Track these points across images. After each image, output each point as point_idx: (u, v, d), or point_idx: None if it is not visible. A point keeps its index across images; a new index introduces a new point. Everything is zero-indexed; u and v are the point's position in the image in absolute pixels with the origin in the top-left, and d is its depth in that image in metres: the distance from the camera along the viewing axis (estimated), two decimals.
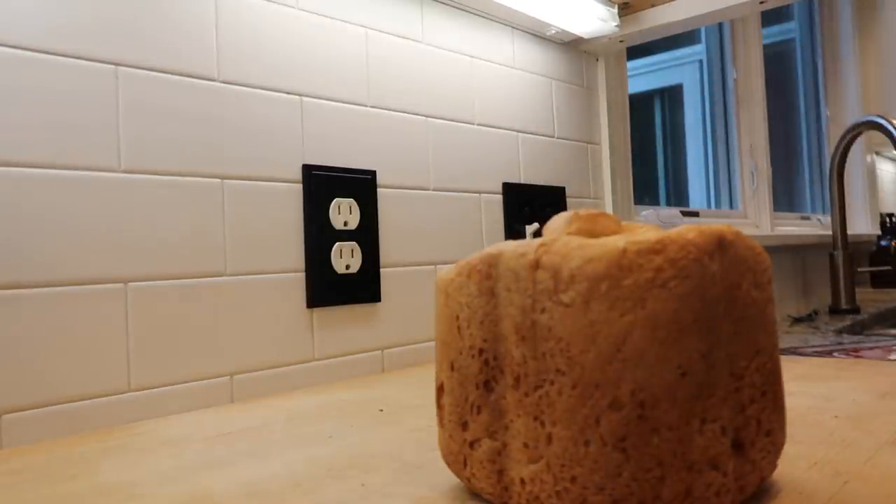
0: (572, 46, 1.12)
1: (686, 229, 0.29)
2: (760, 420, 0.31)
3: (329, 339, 0.75)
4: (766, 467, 0.32)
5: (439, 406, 0.37)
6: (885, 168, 2.85)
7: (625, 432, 0.28)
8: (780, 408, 0.33)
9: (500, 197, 0.97)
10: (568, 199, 1.09)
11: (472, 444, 0.34)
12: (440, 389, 0.37)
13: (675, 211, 1.36)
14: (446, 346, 0.36)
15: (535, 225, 1.00)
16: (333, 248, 0.75)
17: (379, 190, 0.81)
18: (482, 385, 0.33)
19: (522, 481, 0.31)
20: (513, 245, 0.32)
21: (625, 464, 0.28)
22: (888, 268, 2.07)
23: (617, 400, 0.28)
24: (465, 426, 0.34)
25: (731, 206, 1.83)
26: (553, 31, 1.05)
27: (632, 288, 0.28)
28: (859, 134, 1.54)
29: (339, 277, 0.75)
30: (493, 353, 0.33)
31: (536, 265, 0.30)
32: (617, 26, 1.05)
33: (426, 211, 0.86)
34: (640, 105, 2.09)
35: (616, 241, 0.29)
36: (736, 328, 0.30)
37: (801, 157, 2.36)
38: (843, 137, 1.56)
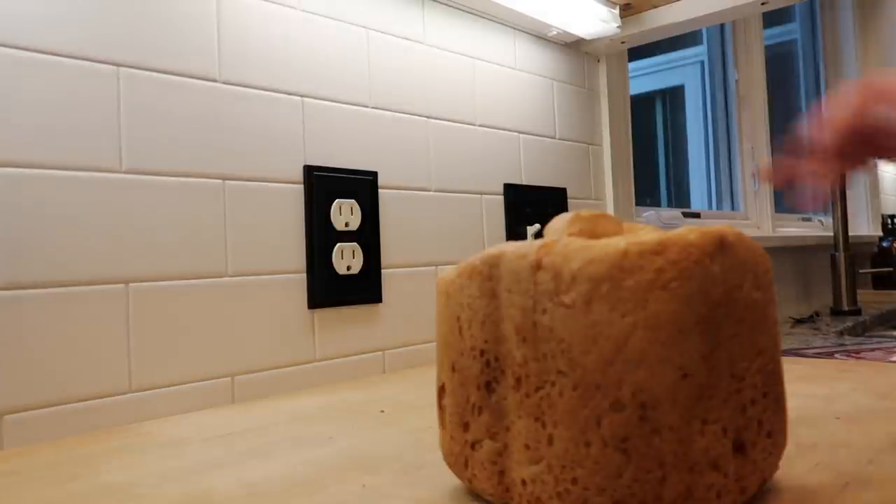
0: (574, 47, 1.12)
1: (687, 230, 0.29)
2: (762, 421, 0.31)
3: (330, 339, 0.75)
4: (768, 468, 0.32)
5: (440, 407, 0.37)
6: (886, 169, 2.84)
7: (626, 433, 0.28)
8: (781, 409, 0.33)
9: (501, 198, 0.97)
10: (569, 200, 1.09)
11: (473, 445, 0.34)
12: (441, 390, 0.37)
13: (677, 212, 1.36)
14: (447, 346, 0.36)
15: (537, 226, 1.00)
16: (335, 249, 0.75)
17: (380, 191, 0.81)
18: (483, 386, 0.33)
19: (524, 482, 0.31)
20: (514, 246, 0.32)
21: (626, 465, 0.28)
22: (889, 269, 2.06)
23: (618, 401, 0.28)
24: (466, 427, 0.35)
25: (732, 208, 1.83)
26: (554, 33, 1.05)
27: (633, 289, 0.28)
28: None
29: (341, 278, 0.75)
30: (494, 354, 0.33)
31: (538, 266, 0.30)
32: (618, 27, 1.05)
33: (427, 212, 0.86)
34: (642, 106, 2.09)
35: (617, 243, 0.29)
36: (737, 329, 0.30)
37: None
38: None
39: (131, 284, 0.60)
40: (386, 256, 0.81)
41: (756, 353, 0.31)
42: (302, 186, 0.73)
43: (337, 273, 0.75)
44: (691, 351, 0.28)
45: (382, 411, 0.58)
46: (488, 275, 0.33)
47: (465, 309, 0.34)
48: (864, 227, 2.45)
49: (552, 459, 0.30)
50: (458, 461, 0.35)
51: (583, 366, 0.28)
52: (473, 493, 0.36)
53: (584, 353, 0.28)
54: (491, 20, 0.97)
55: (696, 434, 0.28)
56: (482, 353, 0.33)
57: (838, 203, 1.64)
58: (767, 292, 0.32)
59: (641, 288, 0.28)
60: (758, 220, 1.79)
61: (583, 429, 0.28)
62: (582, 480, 0.29)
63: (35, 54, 0.55)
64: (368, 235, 0.78)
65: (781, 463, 0.39)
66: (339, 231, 0.75)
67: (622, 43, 1.13)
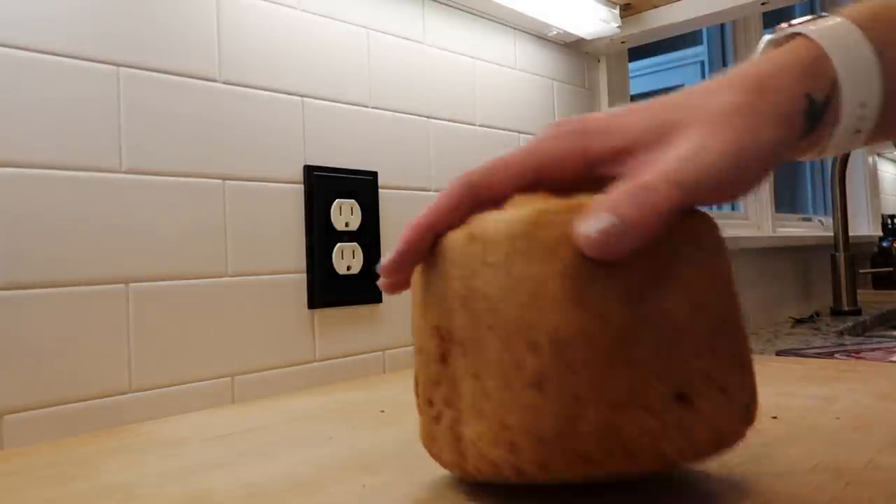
0: (574, 47, 1.12)
1: (610, 190, 0.30)
2: (711, 375, 0.30)
3: (330, 339, 0.75)
4: (722, 422, 0.31)
5: (416, 395, 0.37)
6: (886, 170, 2.85)
7: (542, 373, 0.29)
8: (739, 368, 0.32)
9: None
10: None
11: (436, 419, 0.35)
12: (416, 378, 0.37)
13: None
14: (417, 332, 0.37)
15: None
16: (335, 249, 0.75)
17: (380, 191, 0.81)
18: (439, 360, 0.34)
19: (472, 442, 0.32)
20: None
21: (544, 403, 0.28)
22: (890, 269, 2.06)
23: (535, 343, 0.29)
24: (430, 404, 0.35)
25: (732, 208, 1.83)
26: (554, 33, 1.05)
27: (548, 242, 0.29)
28: None
29: (341, 278, 0.75)
30: (446, 328, 0.34)
31: (471, 237, 0.32)
32: (618, 27, 1.05)
33: None
34: None
35: (536, 205, 0.31)
36: (670, 284, 0.30)
37: None
38: None
39: (131, 284, 0.60)
40: (386, 256, 0.81)
41: (696, 308, 0.31)
42: (302, 186, 0.73)
43: (337, 273, 0.75)
44: (607, 296, 0.28)
45: (382, 411, 0.58)
46: (439, 258, 0.34)
47: (425, 293, 0.36)
48: (864, 227, 2.45)
49: (489, 411, 0.31)
50: (427, 440, 0.36)
51: (504, 316, 0.30)
52: (445, 468, 0.36)
53: (505, 305, 0.30)
54: (491, 20, 0.97)
55: (617, 374, 0.28)
56: (437, 329, 0.34)
57: (838, 203, 1.64)
58: (713, 253, 0.32)
59: (556, 240, 0.29)
60: (758, 220, 1.79)
61: (506, 374, 0.30)
62: (510, 424, 0.30)
63: (35, 54, 0.55)
64: (368, 235, 0.78)
65: (781, 463, 0.39)
66: (339, 231, 0.75)
67: (622, 43, 1.13)
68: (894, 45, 0.32)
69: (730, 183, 0.30)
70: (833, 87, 0.32)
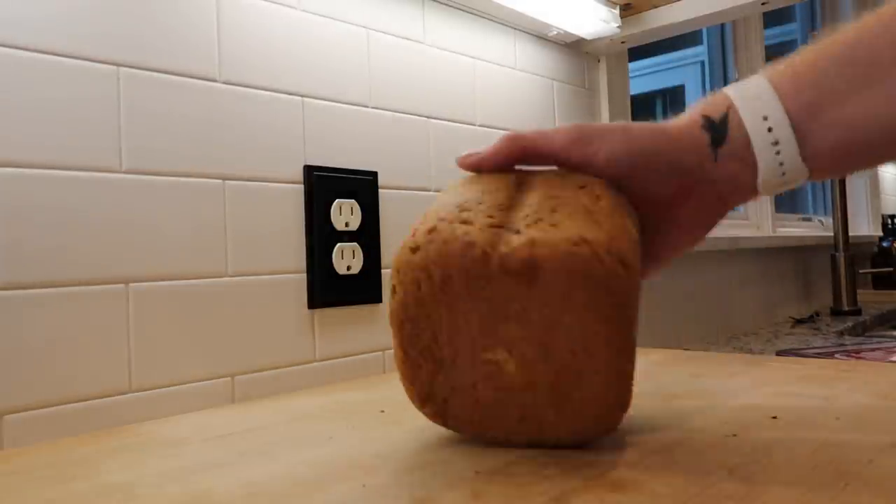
0: (574, 47, 1.12)
1: None
2: (543, 219, 0.40)
3: (330, 339, 0.75)
4: (544, 239, 0.38)
5: None
6: (886, 170, 2.84)
7: (419, 242, 0.41)
8: (583, 221, 0.39)
9: None
10: None
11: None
12: None
13: None
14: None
15: None
16: (335, 249, 0.75)
17: (380, 191, 0.81)
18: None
19: None
20: None
21: (416, 254, 0.41)
22: (890, 269, 2.06)
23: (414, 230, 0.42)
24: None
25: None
26: (555, 33, 1.05)
27: (453, 185, 0.47)
28: None
29: (341, 278, 0.75)
30: None
31: None
32: (618, 27, 1.05)
33: None
34: (642, 106, 2.08)
35: None
36: (531, 188, 0.43)
37: None
38: None
39: (131, 284, 0.60)
40: (386, 256, 0.81)
41: (548, 199, 0.41)
42: (302, 186, 0.73)
43: (337, 273, 0.75)
44: (476, 192, 0.43)
45: (382, 411, 0.58)
46: None
47: None
48: (864, 227, 2.45)
49: None
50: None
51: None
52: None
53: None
54: (491, 20, 0.97)
55: (451, 213, 0.41)
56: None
57: (838, 203, 1.64)
58: (581, 181, 0.43)
59: (459, 184, 0.46)
60: (758, 220, 1.79)
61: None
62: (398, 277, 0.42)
63: (35, 54, 0.55)
64: (368, 235, 0.78)
65: (781, 463, 0.39)
66: (339, 231, 0.75)
67: (622, 43, 1.13)
68: (789, 76, 0.39)
69: (600, 148, 0.42)
70: (729, 108, 0.40)
